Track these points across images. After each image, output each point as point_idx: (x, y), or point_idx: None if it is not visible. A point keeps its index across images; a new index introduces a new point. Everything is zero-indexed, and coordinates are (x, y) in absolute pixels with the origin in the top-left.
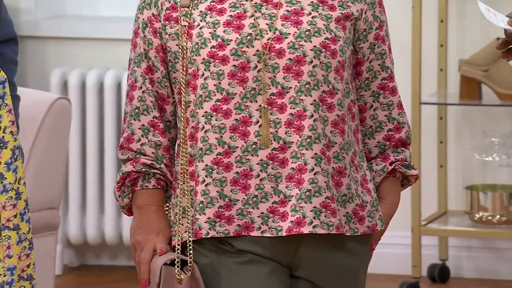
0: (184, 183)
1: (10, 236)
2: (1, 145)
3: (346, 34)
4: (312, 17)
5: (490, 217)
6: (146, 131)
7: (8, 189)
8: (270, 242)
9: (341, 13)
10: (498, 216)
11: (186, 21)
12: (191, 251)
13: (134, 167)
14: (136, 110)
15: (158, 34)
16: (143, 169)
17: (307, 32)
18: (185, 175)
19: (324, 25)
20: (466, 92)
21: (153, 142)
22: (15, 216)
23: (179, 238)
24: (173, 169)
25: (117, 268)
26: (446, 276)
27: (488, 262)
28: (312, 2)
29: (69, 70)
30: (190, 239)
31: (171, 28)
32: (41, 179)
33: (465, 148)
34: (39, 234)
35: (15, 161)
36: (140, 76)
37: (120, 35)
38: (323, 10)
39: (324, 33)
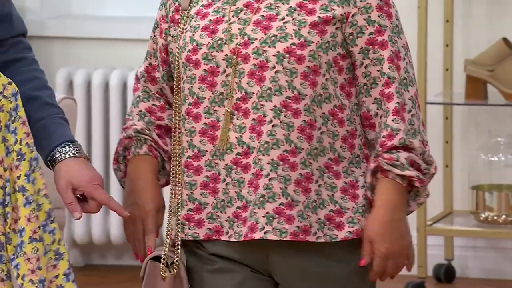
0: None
1: (38, 248)
2: (20, 157)
3: (325, 38)
4: (284, 22)
5: (496, 217)
6: (143, 115)
7: (31, 201)
8: (240, 247)
9: (319, 17)
10: (504, 216)
11: (183, 24)
12: (178, 250)
13: (125, 133)
14: (137, 99)
15: (164, 35)
16: (133, 134)
17: (273, 38)
18: (177, 175)
19: (294, 30)
20: (472, 92)
21: (146, 121)
22: (39, 227)
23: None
24: (167, 140)
25: (122, 268)
26: (452, 276)
27: (494, 262)
28: (290, 7)
29: (74, 70)
30: (179, 238)
31: (174, 30)
32: (47, 179)
33: (470, 148)
34: None
35: (33, 173)
36: (144, 71)
37: (126, 35)
38: (298, 15)
39: (292, 38)
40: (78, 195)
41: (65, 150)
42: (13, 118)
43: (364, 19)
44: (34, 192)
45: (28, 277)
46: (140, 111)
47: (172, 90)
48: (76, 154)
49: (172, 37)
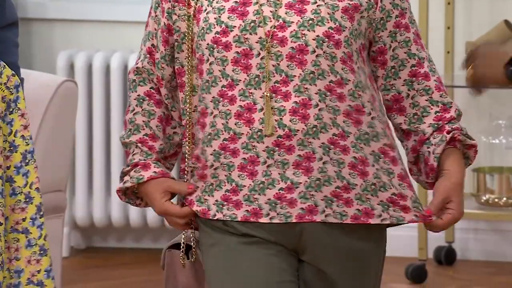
0: (189, 166)
1: (18, 239)
2: (12, 148)
3: (354, 25)
4: (317, 6)
5: (496, 200)
6: (141, 100)
7: (17, 193)
8: (274, 227)
9: (349, 3)
10: (504, 199)
11: (195, 4)
12: (193, 238)
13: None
14: (134, 83)
15: (166, 14)
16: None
17: (310, 21)
18: (191, 156)
19: (328, 14)
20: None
21: (146, 111)
22: (24, 219)
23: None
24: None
25: (123, 250)
26: (453, 258)
27: (494, 244)
28: None
29: (75, 53)
30: (192, 226)
31: (179, 10)
32: (48, 162)
33: (472, 130)
34: (46, 217)
35: (26, 165)
36: (143, 54)
37: (127, 18)
38: None
39: (328, 22)
40: None
41: None
42: (11, 109)
43: (390, 3)
44: (24, 185)
45: (6, 265)
46: (139, 95)
47: (171, 72)
48: None
49: (179, 16)
